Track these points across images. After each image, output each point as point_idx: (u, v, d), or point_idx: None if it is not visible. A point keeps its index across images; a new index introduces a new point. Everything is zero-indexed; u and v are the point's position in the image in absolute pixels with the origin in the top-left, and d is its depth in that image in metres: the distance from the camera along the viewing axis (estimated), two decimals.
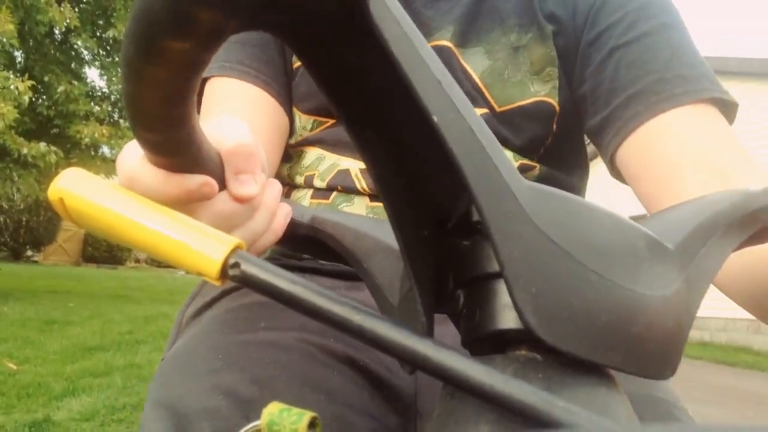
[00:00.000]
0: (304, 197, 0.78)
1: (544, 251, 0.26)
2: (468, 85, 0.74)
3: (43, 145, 7.94)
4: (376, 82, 0.28)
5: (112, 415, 3.19)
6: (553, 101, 0.75)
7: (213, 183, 0.38)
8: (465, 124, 0.25)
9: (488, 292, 0.29)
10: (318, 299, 0.25)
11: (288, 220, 0.47)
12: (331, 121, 0.77)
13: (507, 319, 0.28)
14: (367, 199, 0.74)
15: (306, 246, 0.52)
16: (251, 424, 0.41)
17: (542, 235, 0.26)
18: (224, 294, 0.72)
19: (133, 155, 0.37)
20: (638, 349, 0.27)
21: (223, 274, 0.27)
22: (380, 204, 0.73)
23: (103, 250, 22.43)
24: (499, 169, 0.25)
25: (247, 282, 0.26)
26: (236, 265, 0.26)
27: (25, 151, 7.72)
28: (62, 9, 8.00)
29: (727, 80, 9.87)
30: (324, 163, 0.77)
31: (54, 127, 9.20)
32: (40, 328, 5.76)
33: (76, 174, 0.31)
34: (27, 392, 3.50)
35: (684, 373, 6.52)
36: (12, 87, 7.19)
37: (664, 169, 0.65)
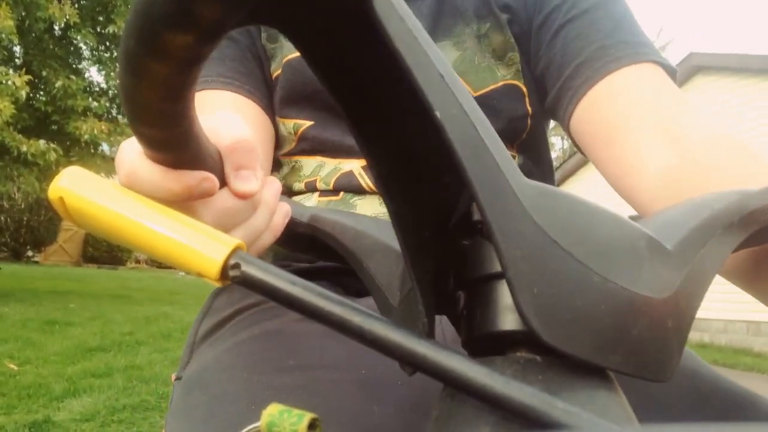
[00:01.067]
0: (310, 199, 0.78)
1: (545, 251, 0.26)
2: None
3: (42, 143, 7.93)
4: (378, 78, 0.28)
5: (113, 415, 3.18)
6: (519, 83, 0.78)
7: (213, 178, 0.37)
8: (467, 121, 0.25)
9: (489, 293, 0.29)
10: (318, 300, 0.25)
11: (287, 219, 0.46)
12: (309, 123, 0.78)
13: (508, 320, 0.28)
14: (376, 196, 0.74)
15: (305, 245, 0.51)
16: (251, 426, 0.40)
17: (543, 234, 0.26)
18: (238, 312, 0.70)
19: (131, 151, 0.36)
20: (638, 351, 0.27)
21: (224, 275, 0.27)
22: None
23: (103, 251, 22.45)
24: (500, 167, 0.25)
25: (247, 283, 0.26)
26: (236, 266, 0.26)
27: (24, 148, 7.71)
28: (62, 5, 8.00)
29: (726, 77, 9.88)
30: (324, 169, 0.77)
31: (53, 124, 9.18)
32: (41, 329, 5.74)
33: (76, 173, 0.31)
34: (28, 393, 3.49)
35: None
36: (9, 82, 7.20)
37: (611, 129, 0.67)
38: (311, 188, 0.78)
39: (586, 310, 0.26)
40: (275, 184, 0.44)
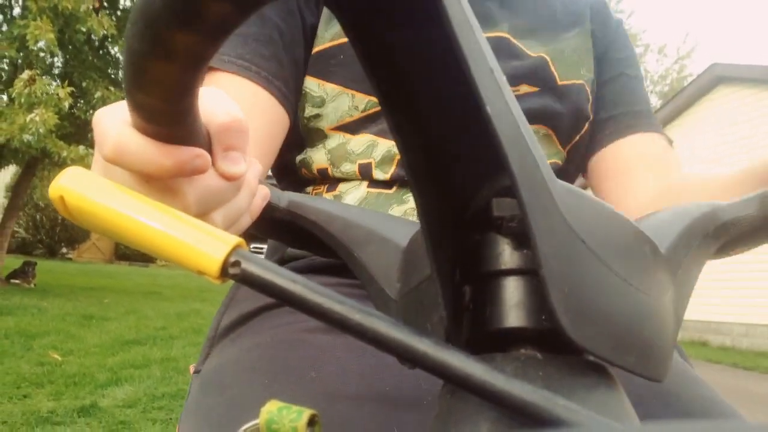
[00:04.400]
0: (358, 188, 0.75)
1: (574, 251, 0.26)
2: (530, 61, 0.80)
3: (82, 148, 8.27)
4: (423, 65, 0.28)
5: (153, 402, 3.44)
6: (589, 89, 0.86)
7: (206, 156, 0.35)
8: (512, 118, 0.25)
9: (498, 290, 0.29)
10: (318, 298, 0.25)
11: (265, 202, 0.44)
12: None
13: (517, 317, 0.28)
14: None
15: (282, 232, 0.49)
16: (250, 423, 0.40)
17: (573, 234, 0.26)
18: (262, 310, 0.69)
19: (115, 121, 0.34)
20: (647, 352, 0.28)
21: (224, 272, 0.26)
22: None
23: (134, 248, 22.76)
24: (539, 165, 0.25)
25: (247, 281, 0.26)
26: (236, 263, 0.26)
27: (65, 153, 8.03)
28: (100, 18, 8.29)
29: (748, 88, 9.82)
30: (377, 149, 0.74)
31: (91, 131, 9.50)
32: (80, 323, 6.05)
33: (77, 172, 0.30)
34: (74, 381, 3.77)
35: (702, 375, 6.59)
36: (53, 93, 7.51)
37: (622, 169, 0.84)
38: (365, 173, 0.75)
39: (609, 311, 0.27)
40: (257, 166, 0.43)
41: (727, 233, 0.38)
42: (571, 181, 0.89)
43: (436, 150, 0.29)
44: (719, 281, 9.79)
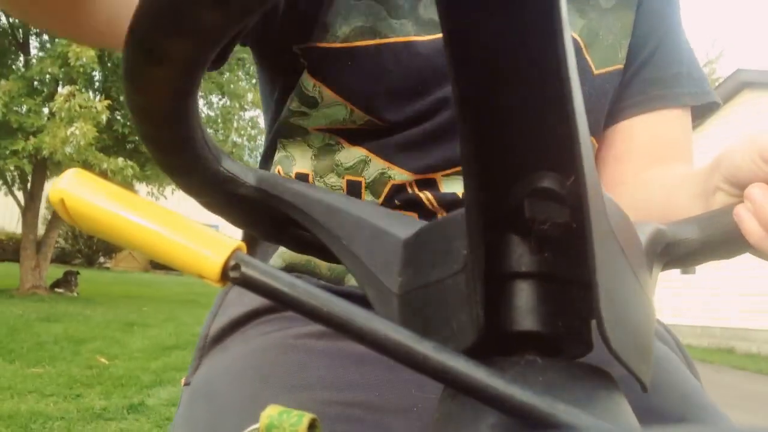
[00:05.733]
0: None
1: (616, 259, 0.26)
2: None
3: (120, 160, 8.68)
4: (510, 53, 0.26)
5: None
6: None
7: None
8: (584, 118, 0.25)
9: (515, 292, 0.28)
10: (318, 301, 0.25)
11: None
12: (383, 125, 0.65)
13: (531, 321, 0.28)
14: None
15: (245, 213, 0.45)
16: (250, 428, 0.39)
17: (618, 244, 0.27)
18: (251, 316, 0.66)
19: None
20: (650, 361, 0.29)
21: (224, 276, 0.26)
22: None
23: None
24: (594, 170, 0.25)
25: (247, 284, 0.26)
26: (236, 267, 0.26)
27: (104, 165, 8.44)
28: None
29: None
30: (370, 168, 0.66)
31: (129, 143, 9.98)
32: (122, 329, 6.36)
33: (77, 175, 0.30)
34: (121, 382, 4.05)
35: (724, 381, 6.68)
36: (92, 106, 7.92)
37: (632, 155, 0.74)
38: (353, 191, 0.67)
39: (637, 321, 0.27)
40: None
41: (671, 253, 0.40)
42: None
43: (494, 139, 0.28)
44: (745, 288, 9.75)
